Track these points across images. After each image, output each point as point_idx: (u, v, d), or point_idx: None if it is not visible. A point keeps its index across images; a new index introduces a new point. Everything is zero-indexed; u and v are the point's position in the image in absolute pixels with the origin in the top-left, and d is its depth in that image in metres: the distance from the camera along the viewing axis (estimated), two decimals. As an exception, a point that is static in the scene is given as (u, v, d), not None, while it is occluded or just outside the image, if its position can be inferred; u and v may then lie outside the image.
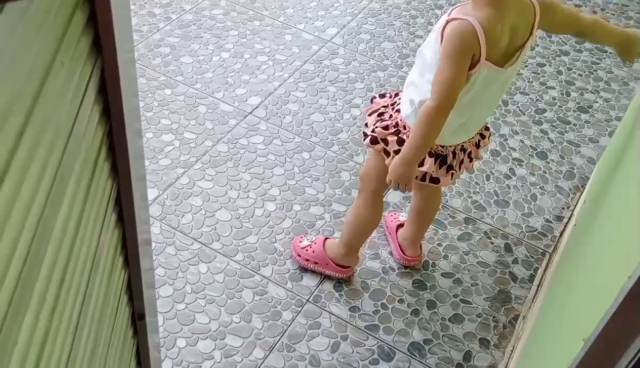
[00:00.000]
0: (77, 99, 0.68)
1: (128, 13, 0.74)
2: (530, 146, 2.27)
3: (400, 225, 1.88)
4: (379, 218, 1.73)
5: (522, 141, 2.28)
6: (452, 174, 1.53)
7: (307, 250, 1.80)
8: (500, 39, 1.33)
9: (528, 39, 1.38)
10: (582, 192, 2.10)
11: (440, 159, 1.50)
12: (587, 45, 2.74)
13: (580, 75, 2.59)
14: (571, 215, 2.02)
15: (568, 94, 2.50)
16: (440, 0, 2.89)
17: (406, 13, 2.82)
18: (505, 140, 2.28)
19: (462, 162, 1.54)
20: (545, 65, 2.62)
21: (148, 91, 2.32)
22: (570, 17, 1.47)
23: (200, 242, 1.86)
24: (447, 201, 2.05)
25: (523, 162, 2.21)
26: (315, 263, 1.79)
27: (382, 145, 1.50)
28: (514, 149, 2.25)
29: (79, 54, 0.68)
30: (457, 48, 1.30)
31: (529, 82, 2.53)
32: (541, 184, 2.14)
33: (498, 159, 2.21)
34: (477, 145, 1.58)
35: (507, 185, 2.13)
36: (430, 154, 1.49)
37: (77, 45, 0.67)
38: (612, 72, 2.62)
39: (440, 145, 1.49)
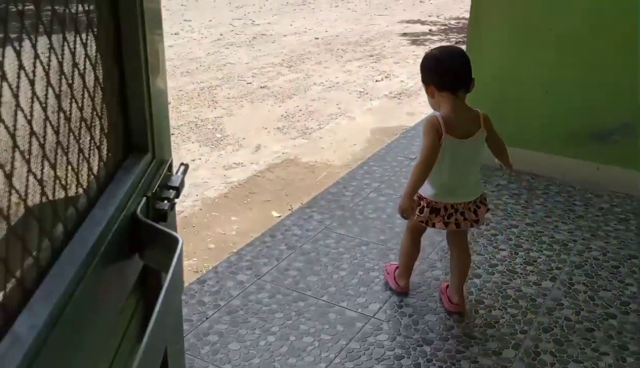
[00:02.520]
0: None
1: None
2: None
3: (447, 286, 2.74)
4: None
5: None
6: (447, 224, 2.48)
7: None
8: (456, 123, 2.36)
9: (479, 130, 2.40)
10: None
11: (435, 210, 2.47)
12: (500, 267, 2.73)
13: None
14: None
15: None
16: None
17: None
18: None
19: (456, 219, 2.47)
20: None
21: (197, 382, 2.34)
22: (496, 140, 2.50)
23: None
24: None
25: None
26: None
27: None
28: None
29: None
30: (428, 127, 2.36)
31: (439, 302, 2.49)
32: None
33: None
34: (474, 212, 2.48)
35: None
36: (427, 206, 2.47)
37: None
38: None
39: (434, 201, 2.46)
